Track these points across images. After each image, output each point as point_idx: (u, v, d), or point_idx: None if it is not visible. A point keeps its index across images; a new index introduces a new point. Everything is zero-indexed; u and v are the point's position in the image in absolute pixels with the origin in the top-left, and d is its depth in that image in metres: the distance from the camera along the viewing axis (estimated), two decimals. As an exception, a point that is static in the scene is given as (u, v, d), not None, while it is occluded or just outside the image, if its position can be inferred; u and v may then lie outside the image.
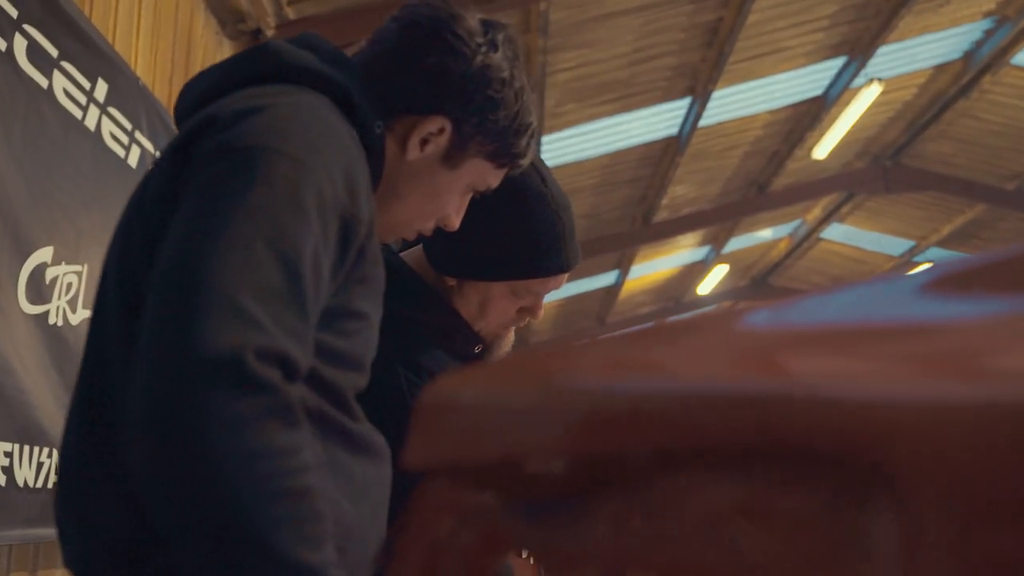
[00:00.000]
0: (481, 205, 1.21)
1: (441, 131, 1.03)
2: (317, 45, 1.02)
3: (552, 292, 1.52)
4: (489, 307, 1.33)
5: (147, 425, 0.73)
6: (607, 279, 13.34)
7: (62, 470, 0.91)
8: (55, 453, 2.32)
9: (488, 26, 1.06)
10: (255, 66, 0.98)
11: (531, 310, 1.38)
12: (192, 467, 0.71)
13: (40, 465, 2.27)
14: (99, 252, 2.50)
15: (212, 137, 0.86)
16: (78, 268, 2.46)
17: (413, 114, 1.03)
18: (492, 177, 1.10)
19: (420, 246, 1.36)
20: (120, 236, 0.93)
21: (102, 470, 0.86)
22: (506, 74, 1.04)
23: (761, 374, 0.29)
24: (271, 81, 0.96)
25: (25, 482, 2.21)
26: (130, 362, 0.78)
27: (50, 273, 2.34)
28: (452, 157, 1.05)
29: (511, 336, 1.50)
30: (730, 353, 0.33)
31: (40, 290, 2.29)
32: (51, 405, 2.30)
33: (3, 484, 2.14)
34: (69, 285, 2.43)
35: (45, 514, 2.24)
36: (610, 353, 0.39)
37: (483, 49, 1.03)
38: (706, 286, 14.21)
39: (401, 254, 1.36)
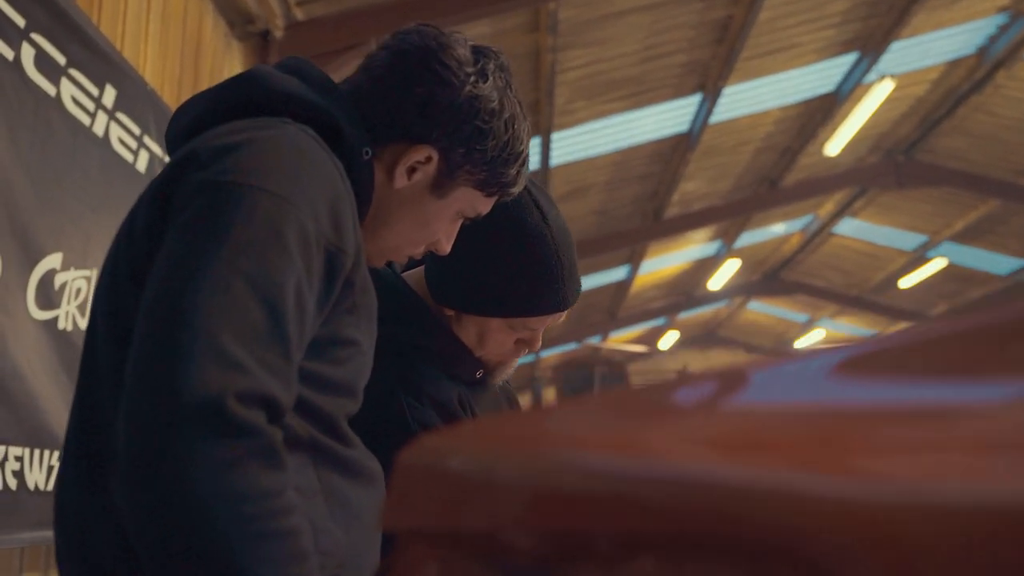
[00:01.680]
0: (480, 241, 1.21)
1: (428, 160, 1.03)
2: (305, 71, 1.03)
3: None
4: (487, 339, 1.33)
5: (131, 471, 0.74)
6: (618, 274, 13.33)
7: (58, 495, 0.92)
8: (65, 457, 2.35)
9: (479, 55, 1.05)
10: (241, 94, 0.98)
11: (529, 343, 1.38)
12: (177, 512, 0.73)
13: (50, 469, 2.29)
14: (108, 257, 2.52)
15: (194, 173, 0.86)
16: (87, 273, 2.48)
17: (401, 142, 1.03)
18: (482, 205, 1.09)
19: (423, 267, 1.37)
20: (109, 265, 0.94)
21: (95, 501, 0.87)
22: (495, 104, 1.03)
23: (717, 463, 0.30)
24: (257, 108, 0.97)
25: (36, 485, 2.23)
26: (119, 398, 0.79)
27: (59, 279, 2.35)
28: (440, 186, 1.05)
29: (515, 361, 1.50)
30: (696, 439, 0.34)
31: (49, 296, 2.31)
32: (61, 410, 2.32)
33: (14, 488, 2.16)
34: (78, 290, 2.44)
35: (55, 517, 2.27)
36: (585, 428, 0.39)
37: (472, 79, 1.02)
38: (717, 281, 14.18)
39: (404, 275, 1.37)
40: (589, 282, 13.29)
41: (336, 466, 0.90)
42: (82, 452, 0.90)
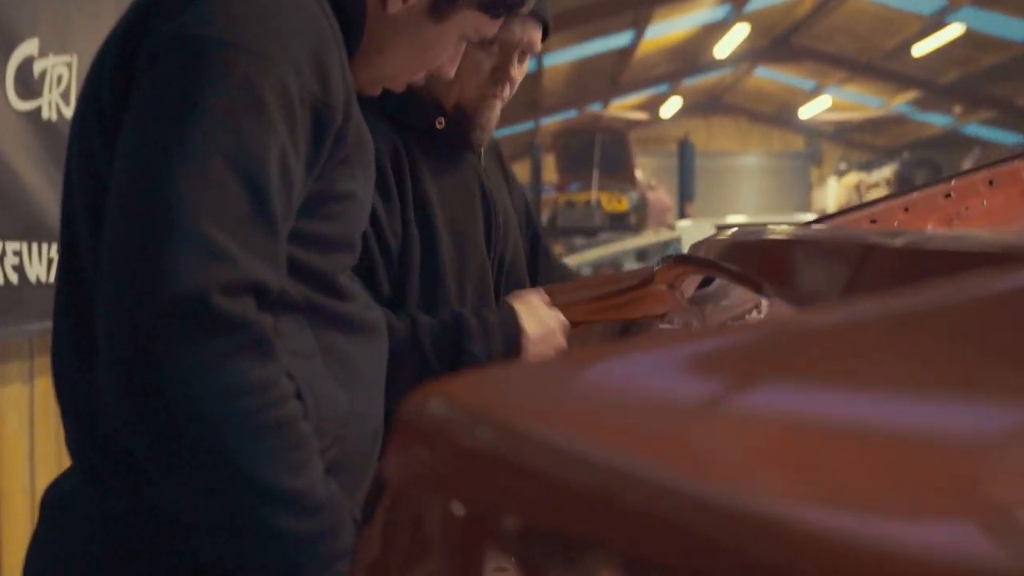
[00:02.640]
0: None
1: None
2: None
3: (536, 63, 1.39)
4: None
5: (118, 372, 0.72)
6: (621, 39, 12.88)
7: (54, 364, 0.90)
8: (64, 250, 2.34)
9: None
10: None
11: (504, 71, 1.27)
12: (170, 413, 0.71)
13: (50, 261, 2.29)
14: (87, 40, 2.39)
15: (159, 24, 0.78)
16: (67, 59, 2.36)
17: None
18: (487, 27, 1.01)
19: None
20: (78, 125, 0.87)
21: (89, 375, 0.83)
22: None
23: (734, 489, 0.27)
24: None
25: (37, 279, 2.24)
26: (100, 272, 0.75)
27: (38, 66, 2.24)
28: (439, 9, 0.96)
29: (495, 109, 1.37)
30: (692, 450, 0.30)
31: (30, 85, 2.21)
32: (53, 201, 2.28)
33: (16, 282, 2.17)
34: (59, 77, 2.34)
35: (60, 309, 2.30)
36: (634, 416, 0.35)
37: None
38: (724, 47, 13.74)
39: None
40: (591, 48, 12.86)
41: (334, 324, 0.87)
42: (72, 329, 0.87)
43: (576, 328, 1.40)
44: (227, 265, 0.71)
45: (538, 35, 1.38)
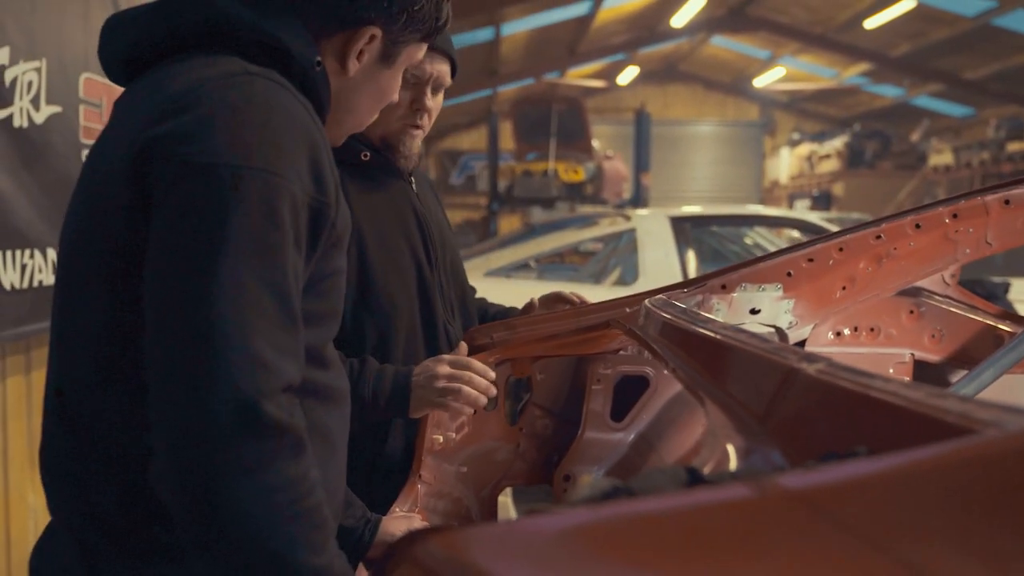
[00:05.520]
0: None
1: (373, 39, 1.06)
2: None
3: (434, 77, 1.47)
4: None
5: (178, 476, 0.84)
6: (579, 8, 12.86)
7: (46, 459, 0.99)
8: (37, 254, 2.38)
9: None
10: (180, 21, 0.97)
11: (420, 103, 1.44)
12: (221, 508, 0.82)
13: (24, 267, 2.33)
14: (56, 43, 2.41)
15: (173, 152, 0.87)
16: (37, 64, 2.38)
17: (343, 31, 1.04)
18: (421, 51, 1.14)
19: None
20: (74, 234, 0.96)
21: (91, 466, 0.94)
22: None
23: None
24: (200, 36, 0.96)
25: (12, 285, 2.28)
26: (105, 377, 0.88)
27: (9, 74, 2.27)
28: (389, 56, 1.08)
29: (416, 138, 1.52)
30: None
31: (1, 93, 2.24)
32: (27, 208, 2.32)
33: (-10, 289, 2.21)
34: (30, 84, 2.36)
35: (33, 311, 2.34)
36: None
37: None
38: (682, 16, 13.78)
39: None
40: (549, 17, 12.83)
41: (317, 396, 0.98)
42: (67, 425, 0.96)
43: (542, 360, 1.54)
44: (270, 374, 0.83)
45: (446, 68, 1.51)
